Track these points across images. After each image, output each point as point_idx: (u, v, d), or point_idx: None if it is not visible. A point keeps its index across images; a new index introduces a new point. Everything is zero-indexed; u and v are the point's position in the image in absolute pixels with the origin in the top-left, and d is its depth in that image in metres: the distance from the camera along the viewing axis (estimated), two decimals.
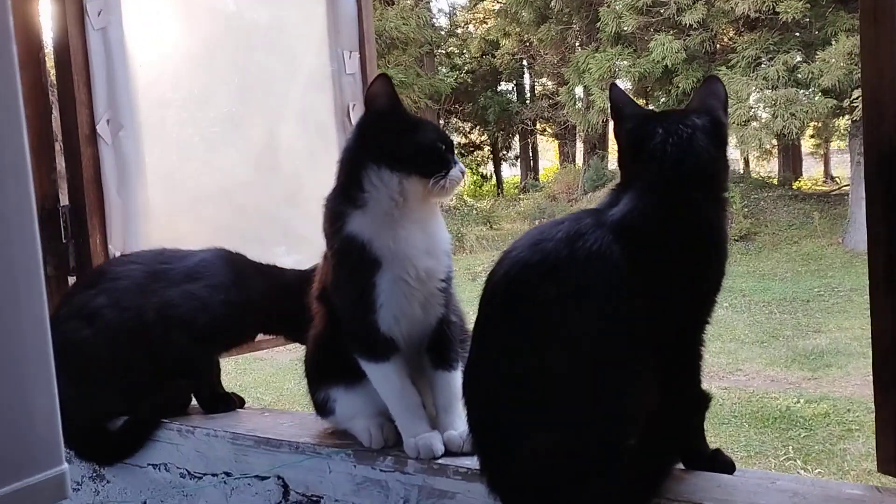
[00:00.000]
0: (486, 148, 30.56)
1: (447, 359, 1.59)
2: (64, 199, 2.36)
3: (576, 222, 1.36)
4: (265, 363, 8.52)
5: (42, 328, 0.98)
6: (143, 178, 2.41)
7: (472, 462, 1.43)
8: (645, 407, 1.30)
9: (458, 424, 1.56)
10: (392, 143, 1.55)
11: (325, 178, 2.93)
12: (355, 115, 2.87)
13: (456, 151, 1.62)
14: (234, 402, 2.03)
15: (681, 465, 1.38)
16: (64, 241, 2.35)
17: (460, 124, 29.49)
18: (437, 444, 1.55)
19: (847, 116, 18.23)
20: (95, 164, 2.32)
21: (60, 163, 2.39)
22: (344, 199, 1.57)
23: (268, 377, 8.09)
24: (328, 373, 1.67)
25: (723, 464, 1.39)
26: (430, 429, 1.58)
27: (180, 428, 1.88)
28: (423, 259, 1.53)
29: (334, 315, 1.62)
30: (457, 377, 1.59)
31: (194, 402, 2.06)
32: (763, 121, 17.40)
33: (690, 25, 17.28)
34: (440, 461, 1.53)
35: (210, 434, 1.84)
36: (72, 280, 2.40)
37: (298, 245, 2.78)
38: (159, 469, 1.92)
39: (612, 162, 28.37)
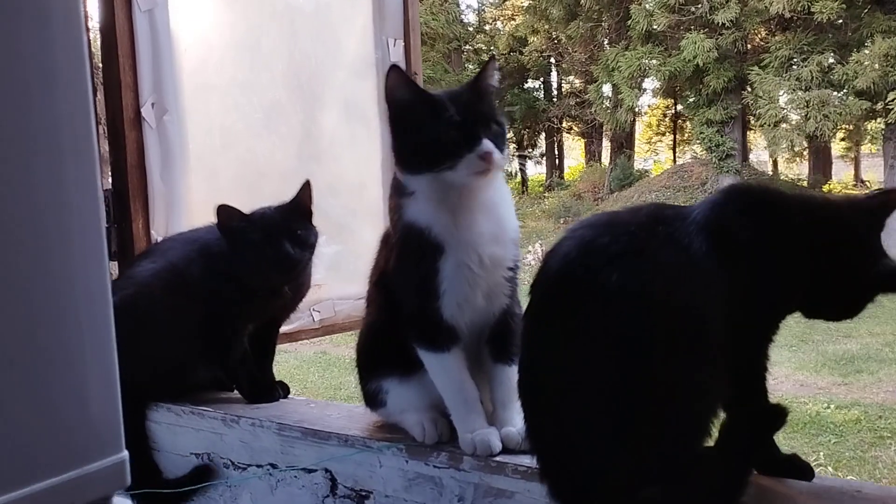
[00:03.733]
0: (512, 145, 30.40)
1: (508, 352, 1.53)
2: (107, 184, 2.34)
3: (655, 210, 1.30)
4: (290, 355, 8.53)
5: (105, 315, 0.95)
6: (187, 163, 2.38)
7: (531, 460, 1.37)
8: (717, 414, 1.24)
9: (517, 421, 1.50)
10: (400, 142, 1.51)
11: (366, 168, 2.92)
12: None
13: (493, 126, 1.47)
14: (277, 392, 1.98)
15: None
16: (106, 225, 2.32)
17: None
18: (495, 441, 1.49)
19: (881, 119, 17.98)
20: (139, 149, 2.29)
21: (104, 146, 2.37)
22: (398, 187, 1.53)
23: (291, 369, 8.09)
24: (381, 363, 1.62)
25: (800, 469, 1.31)
26: (488, 425, 1.52)
27: (224, 417, 1.84)
28: (489, 246, 1.47)
29: (392, 303, 1.57)
30: (516, 372, 1.53)
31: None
32: (794, 122, 17.18)
33: (723, 24, 17.10)
34: (497, 458, 1.47)
35: (256, 424, 1.79)
36: (113, 265, 2.37)
37: (339, 234, 2.75)
38: (202, 459, 1.88)
39: (639, 161, 28.28)
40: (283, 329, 2.42)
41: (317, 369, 8.34)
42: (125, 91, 2.26)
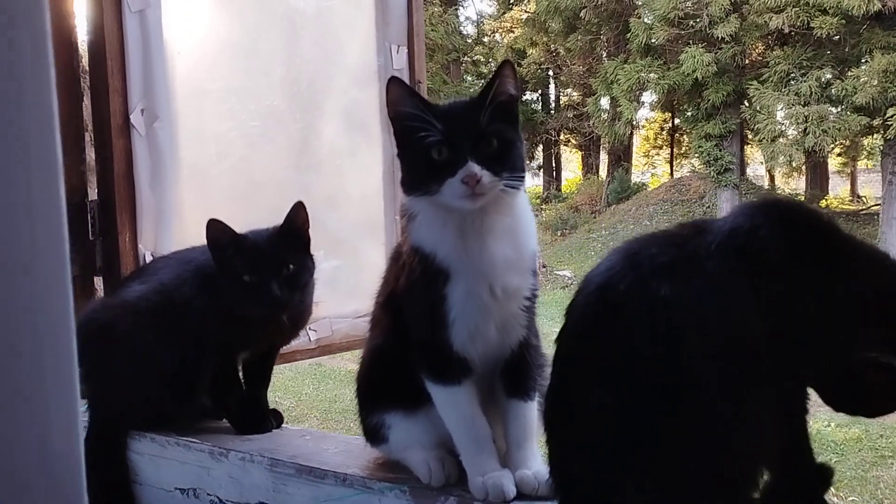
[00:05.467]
0: None
1: (524, 387, 1.40)
2: (92, 194, 2.20)
3: (689, 234, 1.17)
4: (284, 367, 8.36)
5: (66, 344, 0.81)
6: (178, 173, 2.24)
7: None
8: (767, 461, 1.11)
9: (533, 463, 1.37)
10: (400, 159, 1.39)
11: (367, 179, 2.79)
12: None
13: (484, 143, 1.31)
14: (270, 423, 1.84)
15: None
16: (91, 238, 2.19)
17: None
18: (509, 485, 1.35)
19: (878, 135, 17.95)
20: (127, 157, 2.16)
21: (90, 154, 2.23)
22: (403, 208, 1.41)
23: (286, 381, 7.96)
24: (385, 394, 1.48)
25: None
26: (501, 466, 1.38)
27: (212, 449, 1.70)
28: (503, 274, 1.34)
29: (399, 327, 1.44)
30: (533, 408, 1.40)
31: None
32: (792, 137, 17.14)
33: (722, 38, 17.06)
34: None
35: (246, 458, 1.65)
36: (98, 281, 2.24)
37: (338, 249, 2.62)
38: (188, 494, 1.74)
39: (636, 174, 28.23)
40: None
41: (311, 381, 8.22)
42: (113, 96, 2.13)
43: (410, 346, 1.41)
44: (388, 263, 1.53)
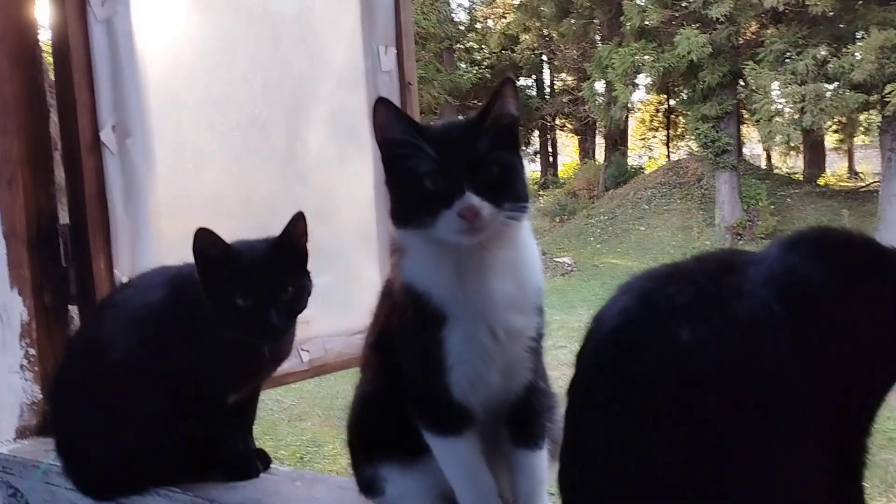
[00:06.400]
0: None
1: (531, 435, 1.27)
2: (64, 217, 2.06)
3: (710, 271, 1.04)
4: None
5: None
6: (154, 192, 2.10)
7: None
8: None
9: None
10: (388, 189, 1.24)
11: (357, 188, 2.65)
12: None
13: (484, 176, 1.16)
14: (256, 468, 1.69)
15: None
16: (64, 264, 2.05)
17: None
18: None
19: (875, 111, 17.83)
20: (99, 177, 2.01)
21: (60, 174, 2.09)
22: (393, 241, 1.27)
23: None
24: (379, 445, 1.34)
25: None
26: None
27: (195, 500, 1.57)
28: (505, 315, 1.20)
29: (392, 370, 1.30)
30: (542, 458, 1.27)
31: None
32: (789, 116, 17.03)
33: (716, 19, 16.91)
34: None
35: None
36: (73, 309, 2.10)
37: (329, 264, 2.47)
38: None
39: (634, 158, 28.10)
40: None
41: (313, 378, 8.12)
42: (81, 112, 1.98)
43: (405, 392, 1.27)
44: (379, 299, 1.39)
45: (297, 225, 1.59)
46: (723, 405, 0.96)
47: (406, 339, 1.25)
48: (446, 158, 1.15)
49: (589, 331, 1.08)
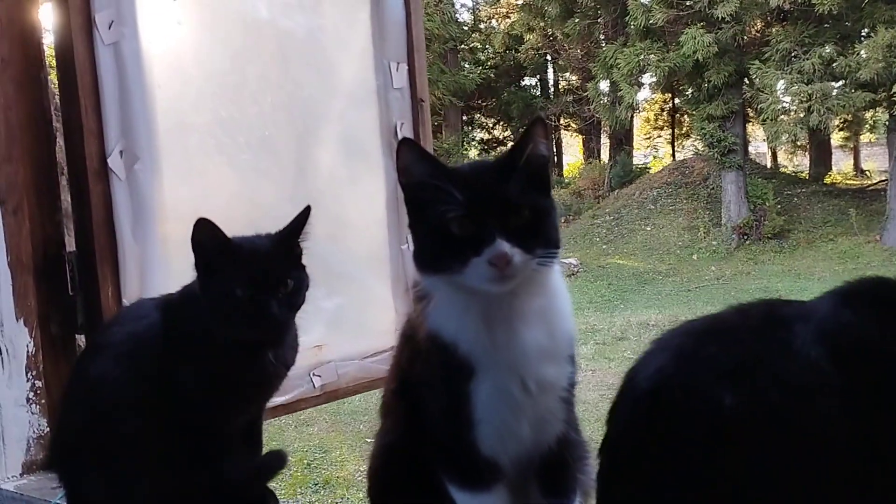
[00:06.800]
0: (510, 143, 30.07)
1: (563, 488, 1.21)
2: (71, 244, 2.02)
3: (755, 328, 0.98)
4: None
5: None
6: (163, 218, 2.05)
7: None
8: None
9: None
10: (412, 233, 1.20)
11: (369, 208, 2.60)
12: (403, 136, 2.50)
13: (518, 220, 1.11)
14: None
15: None
16: (70, 293, 2.01)
17: (483, 120, 29.20)
18: None
19: (882, 108, 17.72)
20: (106, 203, 1.96)
21: (66, 200, 2.05)
22: (416, 286, 1.21)
23: None
24: (402, 499, 1.29)
25: None
26: None
27: None
28: (537, 365, 1.15)
29: (415, 419, 1.25)
30: None
31: None
32: (795, 115, 16.91)
33: (722, 18, 16.79)
34: None
35: None
36: (81, 339, 2.05)
37: (341, 286, 2.43)
38: None
39: (639, 157, 27.99)
40: (280, 400, 2.11)
41: None
42: (88, 137, 1.94)
43: (429, 444, 1.22)
44: (399, 340, 1.34)
45: (304, 218, 1.58)
46: (767, 474, 0.91)
47: (431, 389, 1.19)
48: (475, 202, 1.10)
49: (623, 388, 1.03)
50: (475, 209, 1.10)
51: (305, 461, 6.67)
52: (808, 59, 16.29)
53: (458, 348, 1.14)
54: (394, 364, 1.35)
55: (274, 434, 7.07)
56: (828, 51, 16.44)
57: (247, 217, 2.26)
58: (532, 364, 1.14)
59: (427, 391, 1.21)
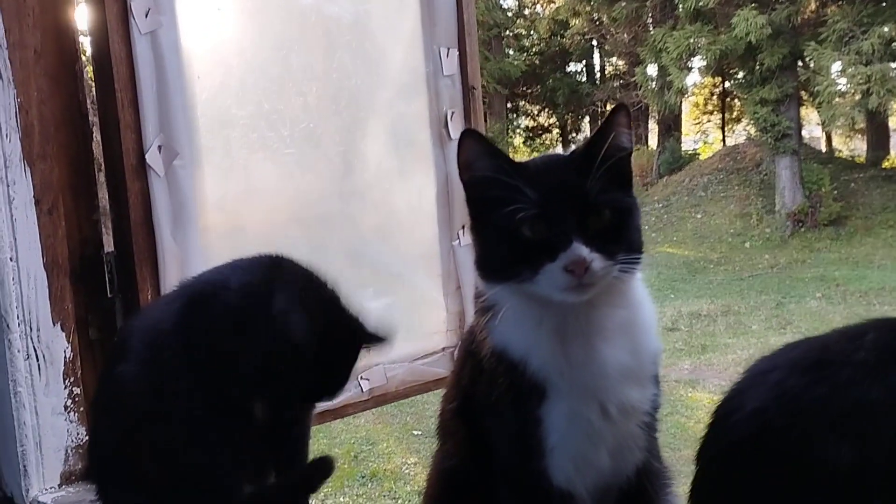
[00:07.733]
0: (556, 130, 29.84)
1: None
2: (109, 245, 1.93)
3: (887, 336, 0.83)
4: None
5: None
6: (203, 216, 1.95)
7: None
8: None
9: None
10: (474, 236, 1.09)
11: (419, 203, 2.48)
12: (454, 126, 2.37)
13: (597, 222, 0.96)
14: None
15: None
16: (109, 295, 1.92)
17: (529, 107, 28.94)
18: None
19: None
20: (145, 202, 1.87)
21: (104, 198, 1.96)
22: (479, 296, 1.08)
23: None
24: None
25: None
26: None
27: None
28: (617, 387, 1.01)
29: (479, 443, 1.12)
30: None
31: None
32: (852, 98, 16.38)
33: None
34: None
35: None
36: None
37: (390, 285, 2.33)
38: None
39: (688, 143, 27.47)
40: (326, 405, 2.00)
41: None
42: (125, 132, 1.84)
43: (495, 472, 1.09)
44: (459, 354, 1.21)
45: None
46: None
47: (497, 413, 1.06)
48: (549, 201, 0.97)
49: (715, 426, 0.89)
50: (549, 209, 0.97)
51: (352, 453, 6.63)
52: (866, 39, 15.74)
53: (528, 367, 1.02)
54: (453, 380, 1.22)
55: (321, 427, 7.03)
56: (887, 30, 15.88)
57: (291, 214, 2.17)
58: (612, 386, 1.01)
59: (493, 415, 1.08)
